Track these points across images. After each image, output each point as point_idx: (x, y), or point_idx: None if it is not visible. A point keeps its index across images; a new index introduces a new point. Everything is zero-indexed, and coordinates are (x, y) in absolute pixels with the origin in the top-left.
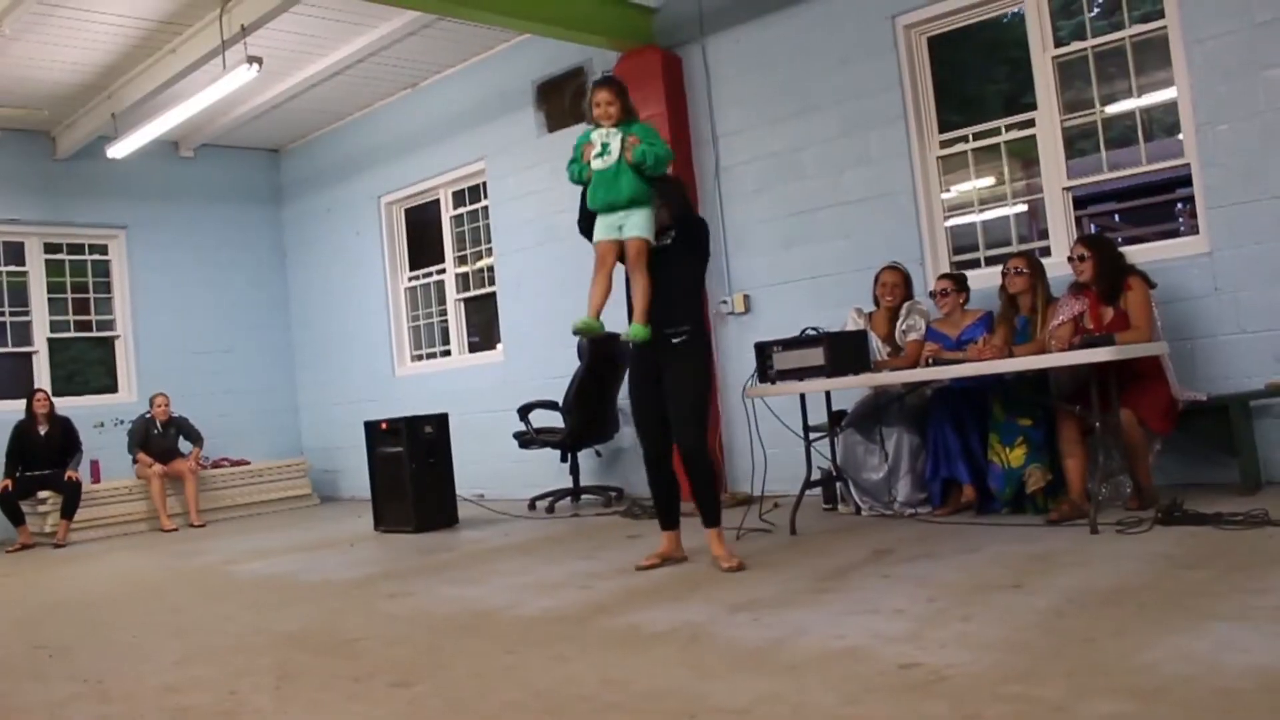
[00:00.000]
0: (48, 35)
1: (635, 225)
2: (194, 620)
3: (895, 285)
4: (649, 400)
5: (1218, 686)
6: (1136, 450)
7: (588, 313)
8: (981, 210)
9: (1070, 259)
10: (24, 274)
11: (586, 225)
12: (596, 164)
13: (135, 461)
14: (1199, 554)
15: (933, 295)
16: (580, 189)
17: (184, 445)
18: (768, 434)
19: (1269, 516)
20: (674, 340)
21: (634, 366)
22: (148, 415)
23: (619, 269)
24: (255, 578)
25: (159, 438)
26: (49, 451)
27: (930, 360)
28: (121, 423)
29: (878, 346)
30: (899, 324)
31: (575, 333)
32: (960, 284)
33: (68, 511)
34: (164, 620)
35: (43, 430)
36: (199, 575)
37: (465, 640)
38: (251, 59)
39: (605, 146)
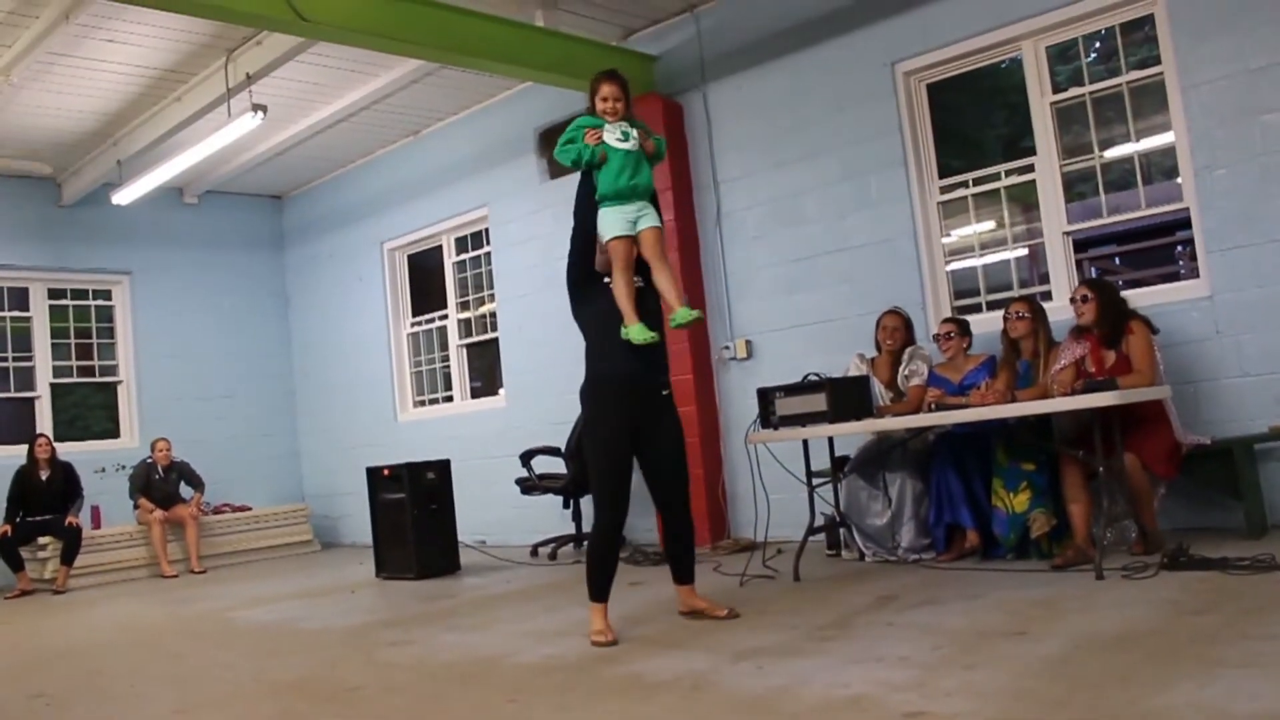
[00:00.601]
0: (54, 84)
1: (651, 217)
2: (193, 668)
3: (897, 330)
4: (629, 458)
5: None
6: (1141, 495)
7: (629, 320)
8: (982, 254)
9: (1073, 300)
10: (28, 319)
11: (585, 241)
12: (626, 145)
13: (136, 507)
14: (1206, 599)
15: (935, 339)
16: (576, 203)
17: (185, 491)
18: (770, 480)
19: (1275, 561)
20: (664, 392)
21: (617, 418)
22: (149, 460)
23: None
24: (255, 625)
25: (160, 483)
26: (50, 497)
27: (933, 405)
28: (123, 468)
29: (880, 392)
30: (901, 369)
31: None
32: (963, 328)
33: (68, 557)
34: (163, 668)
35: (44, 475)
36: (199, 622)
37: (466, 689)
38: (256, 107)
39: (626, 133)
